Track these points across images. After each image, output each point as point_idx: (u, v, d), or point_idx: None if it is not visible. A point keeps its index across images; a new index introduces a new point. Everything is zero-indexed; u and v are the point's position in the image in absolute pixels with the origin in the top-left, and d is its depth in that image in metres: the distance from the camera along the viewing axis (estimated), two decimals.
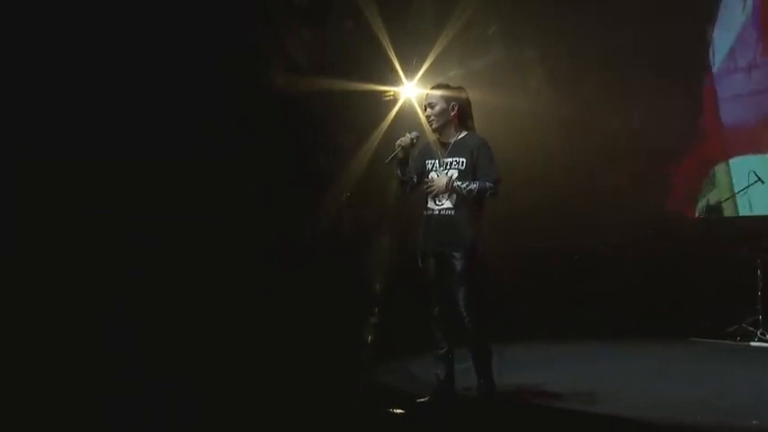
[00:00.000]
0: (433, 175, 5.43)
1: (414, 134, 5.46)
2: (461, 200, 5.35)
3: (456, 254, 5.33)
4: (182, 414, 4.82)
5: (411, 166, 5.53)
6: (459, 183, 5.30)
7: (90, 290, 5.25)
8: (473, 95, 5.60)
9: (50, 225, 5.20)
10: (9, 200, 5.06)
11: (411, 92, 7.90)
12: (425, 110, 5.54)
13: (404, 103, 7.90)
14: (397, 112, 7.84)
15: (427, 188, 5.32)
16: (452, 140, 5.50)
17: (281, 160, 6.87)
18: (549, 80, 8.36)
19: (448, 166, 5.44)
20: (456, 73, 7.68)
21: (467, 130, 5.54)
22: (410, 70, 7.84)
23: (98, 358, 5.11)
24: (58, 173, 5.22)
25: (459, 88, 5.61)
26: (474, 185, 5.31)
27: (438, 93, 5.46)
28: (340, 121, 7.57)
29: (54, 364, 4.99)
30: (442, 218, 5.42)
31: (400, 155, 5.43)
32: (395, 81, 7.86)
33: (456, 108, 5.48)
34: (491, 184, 5.35)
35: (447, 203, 5.42)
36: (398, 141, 5.43)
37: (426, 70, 7.76)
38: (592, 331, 7.88)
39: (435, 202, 5.47)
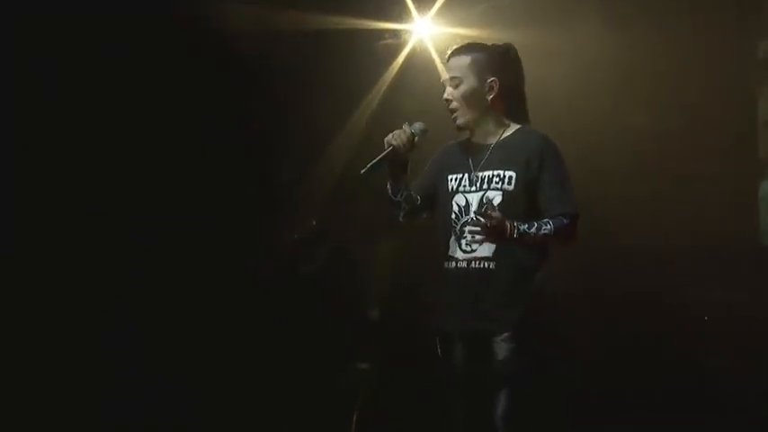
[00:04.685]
0: (461, 200, 3.33)
1: (417, 127, 3.37)
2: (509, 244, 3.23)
3: (500, 335, 3.24)
4: (182, 414, 4.98)
5: (419, 181, 3.53)
6: (526, 227, 3.16)
7: (90, 290, 5.13)
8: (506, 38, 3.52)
9: (50, 225, 5.09)
10: (9, 200, 4.98)
11: (424, 31, 5.65)
12: (444, 89, 3.43)
13: (413, 49, 5.71)
14: (403, 65, 5.66)
15: (474, 232, 3.18)
16: (493, 141, 3.38)
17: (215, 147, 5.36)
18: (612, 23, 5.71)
19: (483, 184, 3.33)
20: (487, 6, 5.47)
21: (518, 121, 3.42)
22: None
23: (98, 358, 5.08)
24: (57, 172, 5.12)
25: (503, 47, 3.44)
26: (548, 228, 3.19)
27: (464, 61, 3.37)
28: (312, 82, 5.46)
29: (54, 364, 4.96)
30: (475, 274, 3.28)
31: (391, 161, 3.35)
32: (399, 16, 5.64)
33: (496, 88, 3.34)
34: (568, 221, 3.22)
35: (483, 249, 3.27)
36: (389, 137, 3.35)
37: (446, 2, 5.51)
38: None
39: (462, 247, 3.31)
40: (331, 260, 5.58)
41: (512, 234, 3.10)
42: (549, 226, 3.16)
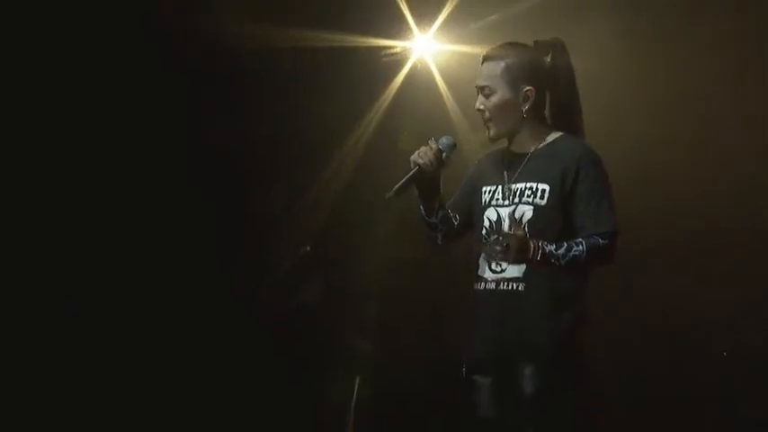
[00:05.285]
0: (493, 214, 3.09)
1: (445, 142, 3.11)
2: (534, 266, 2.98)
3: (528, 365, 2.95)
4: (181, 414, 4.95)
5: (455, 197, 3.28)
6: (553, 247, 2.88)
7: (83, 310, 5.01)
8: None
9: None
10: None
11: (426, 48, 5.40)
12: (478, 95, 3.14)
13: (414, 66, 5.43)
14: (404, 84, 5.38)
15: (491, 250, 2.90)
16: (530, 150, 3.10)
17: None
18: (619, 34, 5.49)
19: (515, 198, 3.06)
20: (489, 21, 5.20)
21: (558, 129, 3.13)
22: (425, 15, 5.33)
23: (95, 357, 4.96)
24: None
25: (545, 47, 3.14)
26: (579, 249, 2.90)
27: (496, 68, 3.05)
28: (308, 100, 5.21)
29: (51, 364, 4.88)
30: (503, 296, 3.03)
31: (419, 182, 3.11)
32: (400, 31, 5.37)
33: (533, 97, 3.06)
34: (605, 241, 2.93)
35: (512, 269, 3.02)
36: (414, 156, 3.09)
37: (449, 16, 5.24)
38: None
39: (492, 267, 3.06)
40: (326, 289, 5.33)
41: (535, 255, 2.83)
42: (580, 247, 2.89)
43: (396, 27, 5.33)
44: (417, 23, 5.32)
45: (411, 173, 3.03)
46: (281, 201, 5.28)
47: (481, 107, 3.08)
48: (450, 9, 5.20)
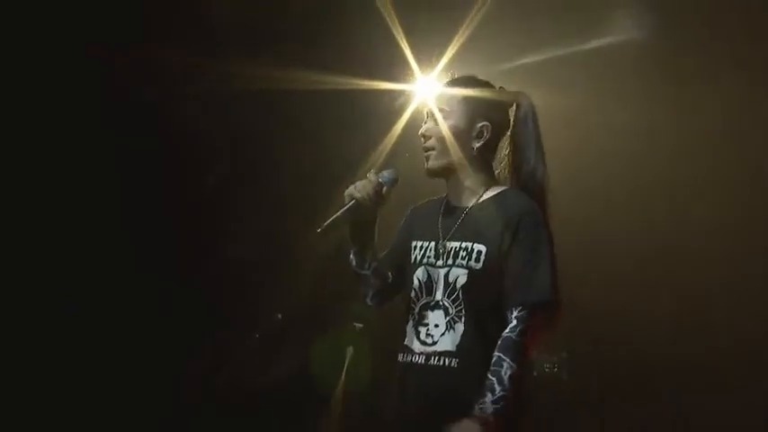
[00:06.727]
0: (423, 275, 2.77)
1: (386, 176, 2.78)
2: (477, 332, 2.61)
3: None
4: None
5: (388, 252, 2.93)
6: (488, 398, 2.51)
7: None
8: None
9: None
10: None
11: (426, 92, 5.00)
12: (425, 121, 2.85)
13: (416, 111, 5.09)
14: (406, 128, 5.08)
15: None
16: (469, 203, 2.75)
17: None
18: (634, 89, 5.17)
19: (449, 259, 2.71)
20: (500, 71, 4.79)
21: (506, 183, 2.82)
22: (427, 59, 5.04)
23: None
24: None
25: (512, 95, 2.86)
26: (505, 365, 2.53)
27: (458, 93, 2.78)
28: (304, 147, 5.07)
29: (51, 364, 4.88)
30: (434, 373, 2.66)
31: (354, 220, 2.76)
32: (402, 74, 5.10)
33: (487, 134, 2.77)
34: (521, 327, 2.55)
35: (445, 341, 2.67)
36: (350, 189, 2.76)
37: (453, 58, 4.94)
38: None
39: (421, 337, 2.72)
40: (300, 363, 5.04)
41: (494, 423, 2.45)
42: (504, 364, 2.49)
43: (397, 69, 5.11)
44: (420, 65, 5.08)
45: (346, 206, 2.72)
46: (263, 256, 5.06)
47: (428, 133, 2.78)
48: (453, 50, 4.95)
